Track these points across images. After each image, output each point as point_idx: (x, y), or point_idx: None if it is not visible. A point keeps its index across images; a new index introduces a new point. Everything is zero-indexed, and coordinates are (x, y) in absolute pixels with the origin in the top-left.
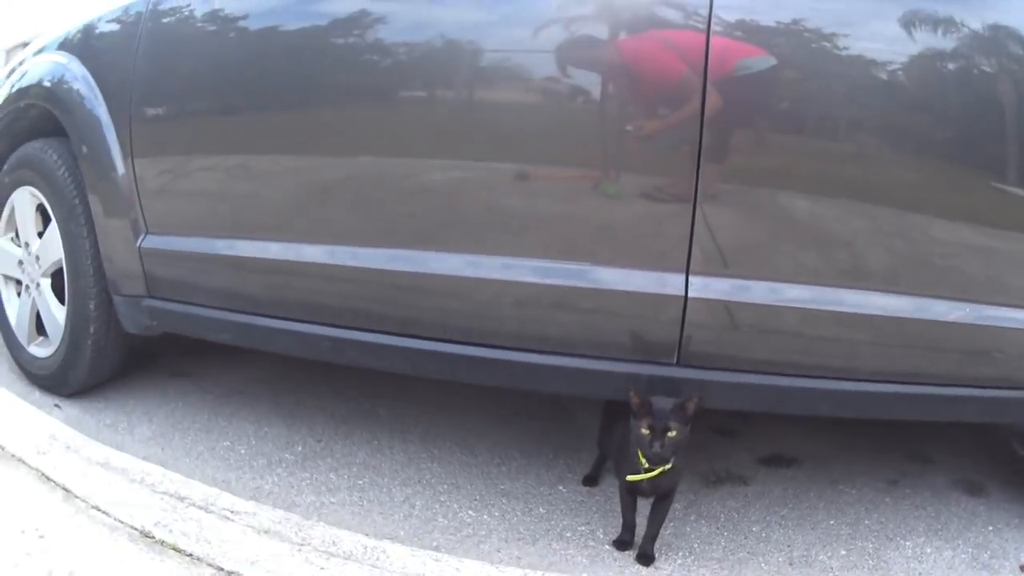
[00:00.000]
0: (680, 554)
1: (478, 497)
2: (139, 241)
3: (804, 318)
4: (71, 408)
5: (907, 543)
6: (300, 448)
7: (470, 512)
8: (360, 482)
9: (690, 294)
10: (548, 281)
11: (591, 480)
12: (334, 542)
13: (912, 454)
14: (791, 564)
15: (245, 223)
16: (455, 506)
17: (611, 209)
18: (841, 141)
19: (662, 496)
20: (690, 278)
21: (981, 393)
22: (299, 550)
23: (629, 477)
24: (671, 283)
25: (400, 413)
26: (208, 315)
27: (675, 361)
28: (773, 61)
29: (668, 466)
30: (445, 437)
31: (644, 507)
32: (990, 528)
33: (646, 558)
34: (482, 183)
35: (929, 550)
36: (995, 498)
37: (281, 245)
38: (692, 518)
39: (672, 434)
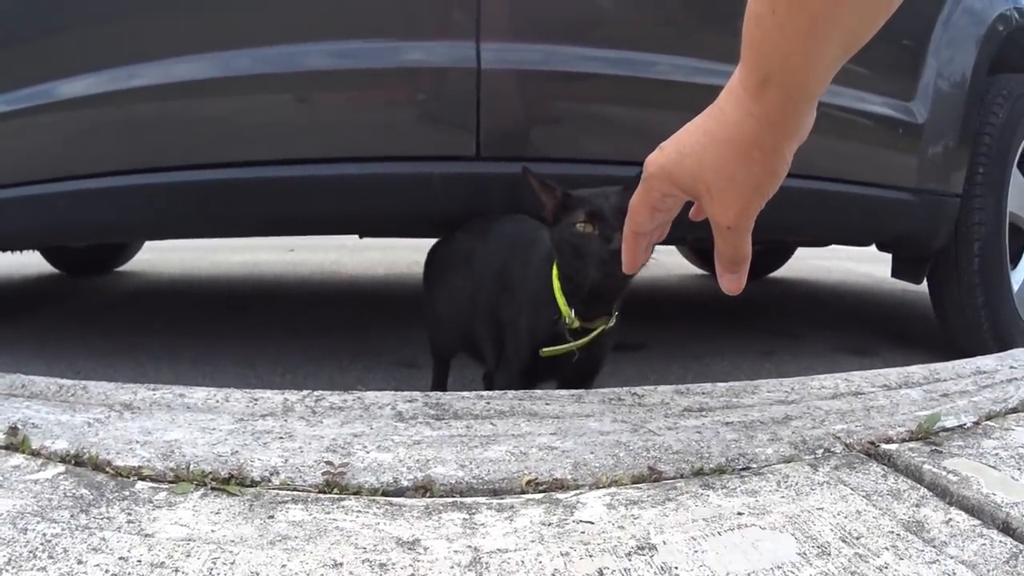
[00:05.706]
0: None
1: None
2: None
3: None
4: None
5: None
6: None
7: None
8: None
9: (483, 65)
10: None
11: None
12: (23, 385)
13: (776, 332)
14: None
15: None
16: None
17: None
18: None
19: (587, 376)
20: (482, 45)
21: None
22: None
23: (547, 350)
24: (461, 54)
25: (172, 343)
26: None
27: (475, 153)
28: None
29: (612, 322)
30: (221, 357)
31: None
32: None
33: None
34: None
35: None
36: (888, 358)
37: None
38: None
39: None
